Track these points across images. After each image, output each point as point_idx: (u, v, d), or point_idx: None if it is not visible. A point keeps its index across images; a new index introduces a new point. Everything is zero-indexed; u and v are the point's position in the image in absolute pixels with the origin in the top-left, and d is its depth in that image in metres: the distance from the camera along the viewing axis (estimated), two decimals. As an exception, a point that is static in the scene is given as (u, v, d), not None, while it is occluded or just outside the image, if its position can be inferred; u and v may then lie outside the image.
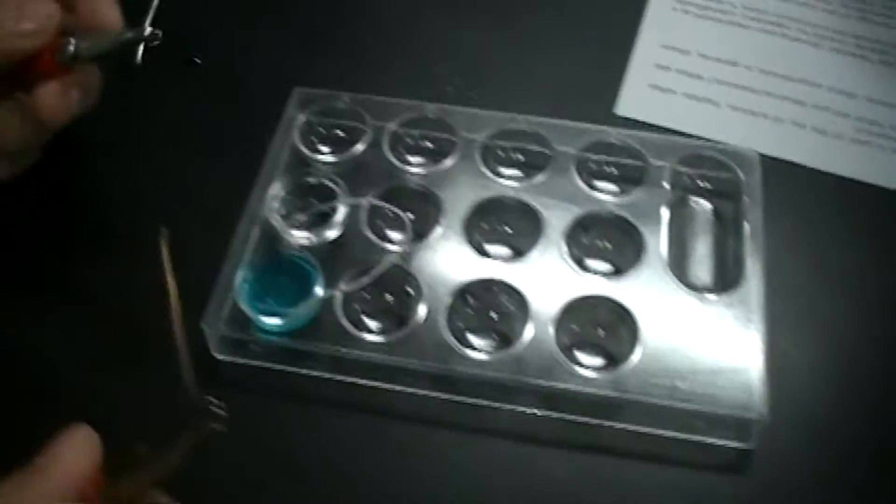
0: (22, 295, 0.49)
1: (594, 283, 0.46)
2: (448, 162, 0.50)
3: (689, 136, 0.54)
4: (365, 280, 0.45)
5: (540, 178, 0.50)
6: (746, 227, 0.48)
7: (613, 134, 0.51)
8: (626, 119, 0.55)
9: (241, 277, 0.47)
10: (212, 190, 0.52)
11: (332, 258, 0.48)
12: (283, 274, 0.48)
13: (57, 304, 0.49)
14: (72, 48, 0.45)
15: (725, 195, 0.50)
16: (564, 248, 0.47)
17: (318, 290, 0.46)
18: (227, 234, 0.49)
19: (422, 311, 0.46)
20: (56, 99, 0.45)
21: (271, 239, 0.49)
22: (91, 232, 0.52)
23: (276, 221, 0.48)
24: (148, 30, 0.45)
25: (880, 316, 0.48)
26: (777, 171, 0.52)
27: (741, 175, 0.50)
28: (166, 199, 0.52)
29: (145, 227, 0.43)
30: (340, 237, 0.49)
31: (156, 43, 0.45)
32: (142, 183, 0.53)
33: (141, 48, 0.45)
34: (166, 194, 0.52)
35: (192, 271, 0.44)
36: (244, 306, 0.46)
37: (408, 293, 0.47)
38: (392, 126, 0.51)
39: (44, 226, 0.52)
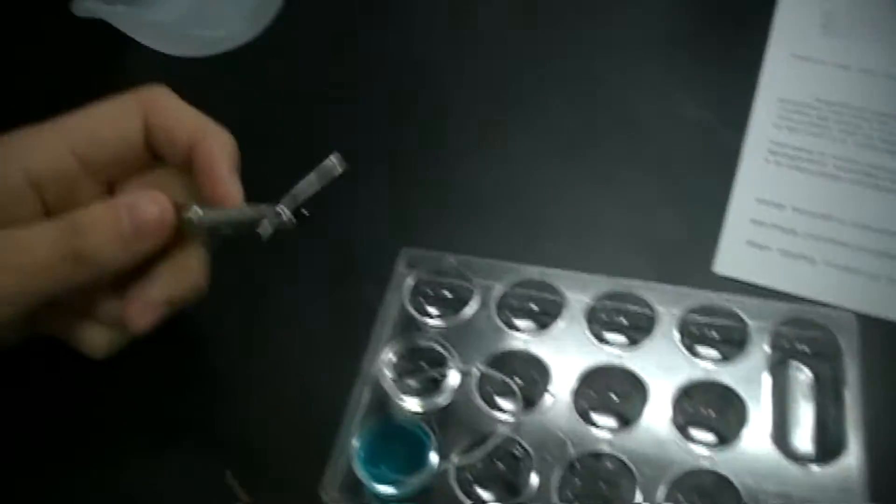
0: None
1: (699, 452, 0.47)
2: (554, 326, 0.52)
3: (787, 294, 0.55)
4: (478, 454, 0.47)
5: (644, 344, 0.51)
6: (846, 392, 0.49)
7: (714, 297, 0.52)
8: (725, 278, 0.56)
9: (355, 443, 0.49)
10: (323, 345, 0.55)
11: (443, 424, 0.50)
12: (396, 439, 0.49)
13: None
14: (196, 218, 0.48)
15: (824, 357, 0.51)
16: (669, 416, 0.49)
17: (433, 459, 0.48)
18: (339, 397, 0.51)
19: (533, 480, 0.47)
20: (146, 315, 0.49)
21: (383, 403, 0.50)
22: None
23: (388, 386, 0.50)
24: (285, 213, 0.47)
25: None
26: (876, 330, 0.53)
27: (839, 338, 0.51)
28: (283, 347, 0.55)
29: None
30: (451, 403, 0.50)
31: (293, 224, 0.47)
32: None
33: (270, 225, 0.47)
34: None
35: (308, 429, 0.49)
36: (359, 472, 0.48)
37: (519, 461, 0.48)
38: (499, 288, 0.53)
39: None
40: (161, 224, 0.47)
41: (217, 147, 0.50)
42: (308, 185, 0.48)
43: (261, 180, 0.49)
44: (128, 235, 0.47)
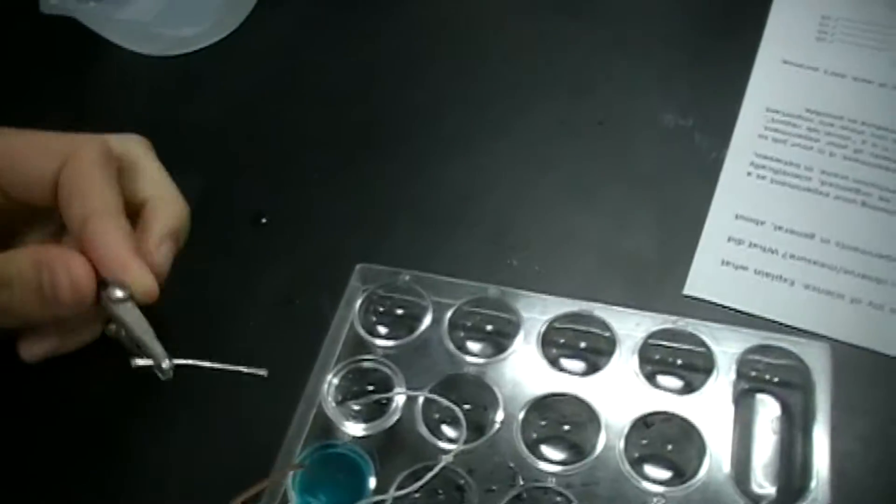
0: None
1: (651, 489, 0.45)
2: (508, 349, 0.49)
3: (761, 318, 0.52)
4: (415, 486, 0.45)
5: (601, 371, 0.48)
6: (815, 428, 0.46)
7: (679, 322, 0.49)
8: (696, 299, 0.53)
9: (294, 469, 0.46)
10: (275, 364, 0.52)
11: (386, 450, 0.48)
12: (335, 466, 0.47)
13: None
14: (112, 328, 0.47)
15: (795, 388, 0.49)
16: (622, 449, 0.46)
17: (370, 487, 0.46)
18: (285, 419, 0.49)
19: (473, 512, 0.45)
20: None
21: (326, 427, 0.48)
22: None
23: (330, 410, 0.48)
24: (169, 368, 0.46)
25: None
26: (853, 359, 0.50)
27: (811, 369, 0.48)
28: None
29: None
30: (394, 427, 0.48)
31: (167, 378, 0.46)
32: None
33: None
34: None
35: (249, 452, 0.47)
36: (294, 501, 0.46)
37: (462, 492, 0.46)
38: (453, 307, 0.51)
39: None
40: (75, 294, 0.45)
41: (115, 229, 0.47)
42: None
43: (229, 174, 0.50)
44: (48, 299, 0.45)
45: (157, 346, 0.46)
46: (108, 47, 0.69)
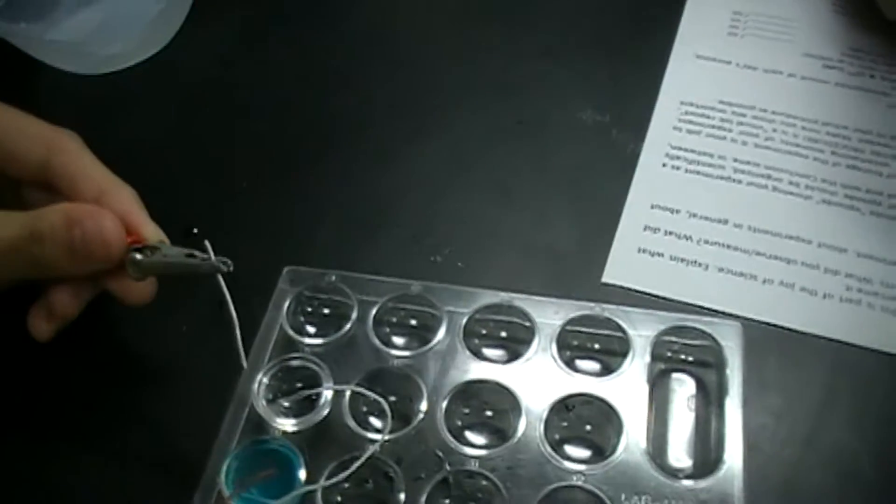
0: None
1: (572, 468, 0.46)
2: (430, 342, 0.51)
3: (677, 302, 0.54)
4: (342, 475, 0.46)
5: (521, 358, 0.50)
6: (727, 403, 0.48)
7: (595, 308, 0.51)
8: (613, 286, 0.55)
9: (227, 465, 0.48)
10: (203, 366, 0.54)
11: (315, 444, 0.49)
12: (267, 462, 0.48)
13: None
14: (138, 262, 0.49)
15: (708, 367, 0.51)
16: (542, 432, 0.48)
17: (301, 479, 0.47)
18: (215, 420, 0.50)
19: (402, 499, 0.46)
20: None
21: (257, 425, 0.49)
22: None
23: (261, 407, 0.49)
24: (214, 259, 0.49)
25: (874, 491, 0.47)
26: (765, 336, 0.52)
27: (723, 347, 0.50)
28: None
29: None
30: (324, 421, 0.49)
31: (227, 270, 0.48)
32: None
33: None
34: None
35: (180, 453, 0.50)
36: (227, 496, 0.47)
37: (391, 480, 0.47)
38: (377, 304, 0.52)
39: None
40: (107, 250, 0.49)
41: (127, 198, 0.51)
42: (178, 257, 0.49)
43: (160, 188, 0.53)
44: (78, 254, 0.48)
45: (197, 260, 0.49)
46: (39, 66, 0.70)
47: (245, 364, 0.50)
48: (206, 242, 0.49)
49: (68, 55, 0.70)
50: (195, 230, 0.60)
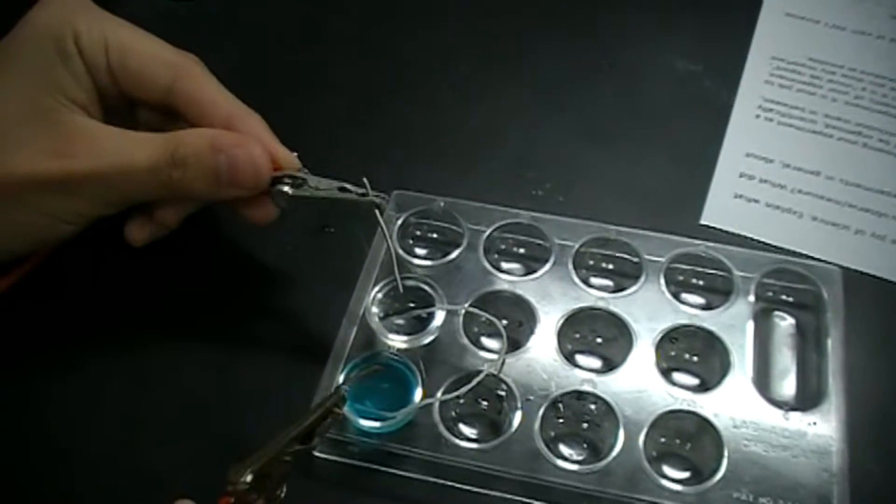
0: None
1: (681, 395, 0.48)
2: (541, 270, 0.52)
3: (773, 247, 0.55)
4: (462, 391, 0.47)
5: (629, 289, 0.51)
6: (828, 343, 0.49)
7: (700, 246, 0.52)
8: (711, 228, 0.56)
9: (342, 378, 0.49)
10: (315, 284, 0.55)
11: (429, 362, 0.50)
12: (381, 376, 0.50)
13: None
14: (286, 193, 0.50)
15: (808, 309, 0.52)
16: (653, 360, 0.49)
17: (417, 396, 0.48)
18: (330, 333, 0.51)
19: (516, 419, 0.47)
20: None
21: (370, 341, 0.51)
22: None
23: (374, 324, 0.50)
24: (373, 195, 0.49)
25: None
26: (859, 284, 0.53)
27: (823, 290, 0.51)
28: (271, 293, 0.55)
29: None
30: (436, 340, 0.50)
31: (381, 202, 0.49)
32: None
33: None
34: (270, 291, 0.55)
35: (294, 368, 0.50)
36: (344, 408, 0.48)
37: (501, 400, 0.48)
38: (486, 231, 0.54)
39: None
40: (256, 179, 0.49)
41: (257, 124, 0.51)
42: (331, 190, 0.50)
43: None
44: (223, 181, 0.48)
45: (352, 194, 0.49)
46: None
47: (401, 288, 0.51)
48: (364, 179, 0.49)
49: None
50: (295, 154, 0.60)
